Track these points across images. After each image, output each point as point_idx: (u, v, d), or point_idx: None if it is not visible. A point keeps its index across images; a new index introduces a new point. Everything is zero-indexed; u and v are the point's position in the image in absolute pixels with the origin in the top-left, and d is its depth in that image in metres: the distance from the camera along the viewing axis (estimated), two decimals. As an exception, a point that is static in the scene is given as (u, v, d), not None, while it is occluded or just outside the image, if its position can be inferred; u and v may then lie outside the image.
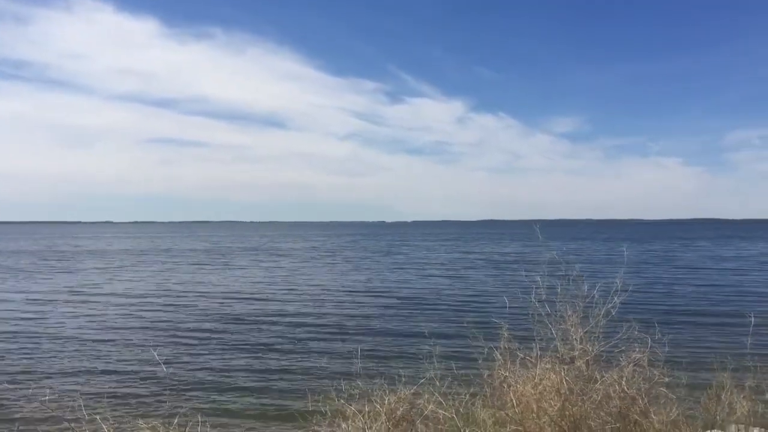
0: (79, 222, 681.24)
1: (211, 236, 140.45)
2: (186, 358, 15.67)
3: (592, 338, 6.86)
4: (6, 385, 12.09)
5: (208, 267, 47.44)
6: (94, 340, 18.02)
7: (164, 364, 14.09)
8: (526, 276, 7.47)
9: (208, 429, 5.63)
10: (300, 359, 15.59)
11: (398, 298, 27.76)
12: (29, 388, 11.49)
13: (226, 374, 14.09)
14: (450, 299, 27.01)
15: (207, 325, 20.44)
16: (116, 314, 23.13)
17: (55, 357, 15.89)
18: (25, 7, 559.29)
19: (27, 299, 27.46)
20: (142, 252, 71.47)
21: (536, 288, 7.19)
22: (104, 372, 14.32)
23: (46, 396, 8.76)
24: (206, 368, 14.61)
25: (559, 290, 7.19)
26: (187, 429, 5.68)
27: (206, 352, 16.47)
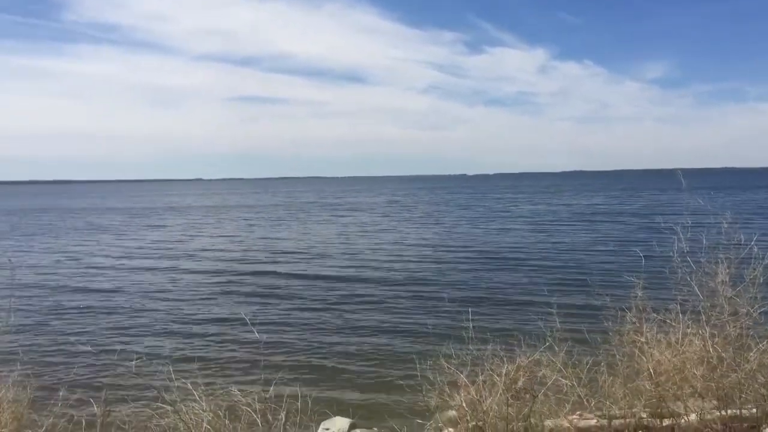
0: (171, 180, 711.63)
1: (293, 191, 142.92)
2: (278, 321, 14.98)
3: (747, 299, 5.79)
4: (93, 349, 12.04)
5: (291, 222, 48.08)
6: (180, 300, 17.90)
7: (257, 328, 13.31)
8: (663, 225, 6.39)
9: (310, 403, 5.06)
10: (400, 322, 14.63)
11: (502, 254, 25.76)
12: (116, 353, 11.39)
13: (322, 340, 13.32)
14: (567, 254, 24.98)
15: (296, 288, 19.34)
16: (202, 273, 22.98)
17: (141, 318, 15.76)
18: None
19: (112, 258, 27.77)
20: (226, 208, 73.55)
21: (677, 240, 6.12)
22: (192, 335, 14.03)
23: (133, 360, 8.53)
24: (301, 334, 13.84)
25: (704, 243, 6.10)
26: (285, 398, 5.14)
27: (299, 315, 15.65)
